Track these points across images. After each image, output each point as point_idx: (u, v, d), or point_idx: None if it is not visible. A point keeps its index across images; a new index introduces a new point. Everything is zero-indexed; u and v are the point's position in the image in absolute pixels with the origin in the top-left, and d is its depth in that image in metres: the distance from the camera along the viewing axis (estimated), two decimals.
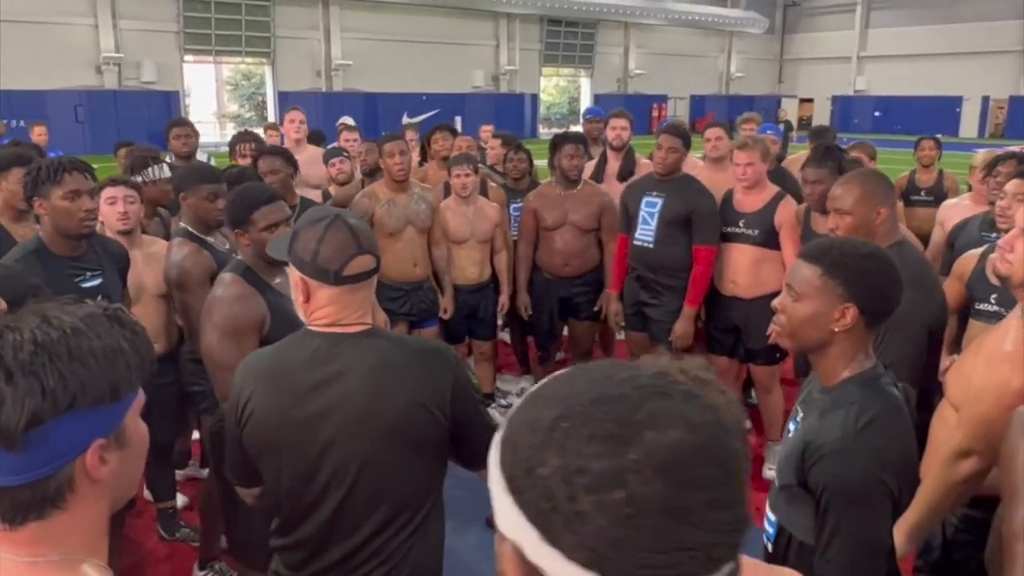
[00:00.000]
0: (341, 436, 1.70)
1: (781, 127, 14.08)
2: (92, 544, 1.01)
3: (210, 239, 3.22)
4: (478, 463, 1.73)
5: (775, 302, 1.83)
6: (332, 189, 5.26)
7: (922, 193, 6.24)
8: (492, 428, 1.89)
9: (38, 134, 8.94)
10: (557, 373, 0.67)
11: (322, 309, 1.75)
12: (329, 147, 5.81)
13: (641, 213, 4.34)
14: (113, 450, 0.96)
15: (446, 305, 4.66)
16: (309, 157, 5.44)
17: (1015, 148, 5.78)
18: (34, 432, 0.89)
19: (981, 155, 4.64)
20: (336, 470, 1.72)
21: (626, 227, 4.47)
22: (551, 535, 0.58)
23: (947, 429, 2.08)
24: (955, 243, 3.87)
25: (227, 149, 5.70)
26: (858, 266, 1.70)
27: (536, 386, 0.67)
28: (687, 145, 4.37)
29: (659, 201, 4.29)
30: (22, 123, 17.23)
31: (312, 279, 1.72)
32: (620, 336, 5.27)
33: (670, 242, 4.26)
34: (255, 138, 5.22)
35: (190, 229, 3.20)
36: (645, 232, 4.33)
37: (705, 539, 0.57)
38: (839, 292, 1.69)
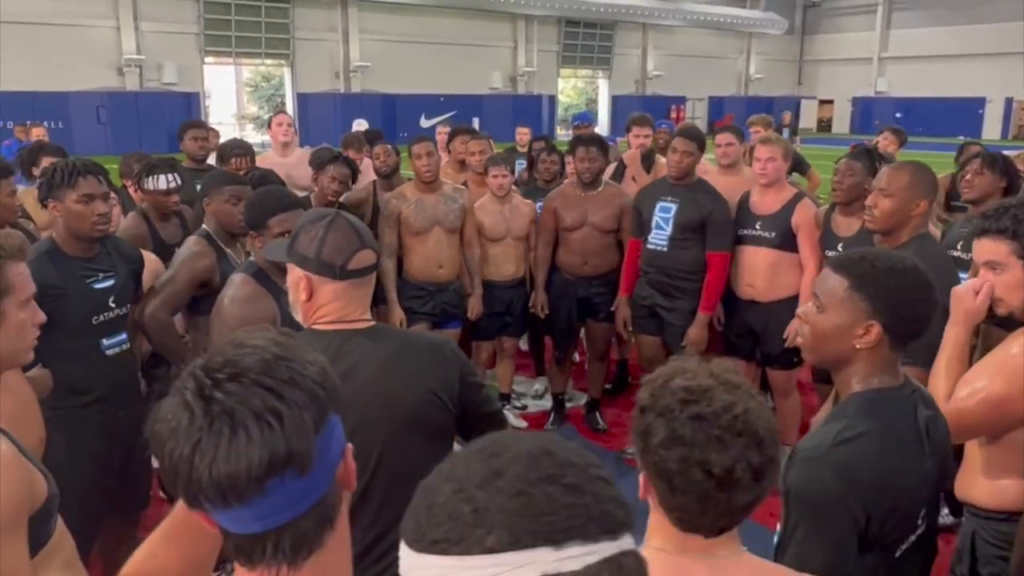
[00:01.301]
0: (359, 428, 1.71)
1: (785, 132, 13.90)
2: (344, 565, 0.95)
3: (229, 250, 3.22)
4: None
5: (799, 311, 1.76)
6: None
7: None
8: (499, 415, 2.01)
9: (36, 134, 8.88)
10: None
11: (326, 306, 1.76)
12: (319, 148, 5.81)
13: (655, 218, 4.33)
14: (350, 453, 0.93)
15: (474, 305, 4.66)
16: (298, 159, 5.48)
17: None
18: (316, 445, 0.83)
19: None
20: (356, 460, 1.74)
21: (638, 231, 4.47)
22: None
23: (976, 445, 2.07)
24: (945, 239, 3.86)
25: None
26: (888, 282, 1.58)
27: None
28: (702, 148, 4.36)
29: (674, 206, 4.28)
30: (46, 125, 17.48)
31: (316, 275, 1.75)
32: (613, 340, 5.26)
33: (684, 246, 4.27)
34: (248, 151, 5.21)
35: (211, 233, 3.21)
36: (659, 236, 4.33)
37: None
38: (864, 308, 1.58)
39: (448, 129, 7.24)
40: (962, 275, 3.44)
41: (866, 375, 1.62)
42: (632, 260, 4.55)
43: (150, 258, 3.40)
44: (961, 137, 6.99)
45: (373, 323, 1.82)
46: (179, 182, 3.86)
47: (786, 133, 14.02)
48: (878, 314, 1.58)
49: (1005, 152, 4.22)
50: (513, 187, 4.97)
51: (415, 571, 0.66)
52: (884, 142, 6.38)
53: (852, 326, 1.60)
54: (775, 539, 1.70)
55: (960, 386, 2.02)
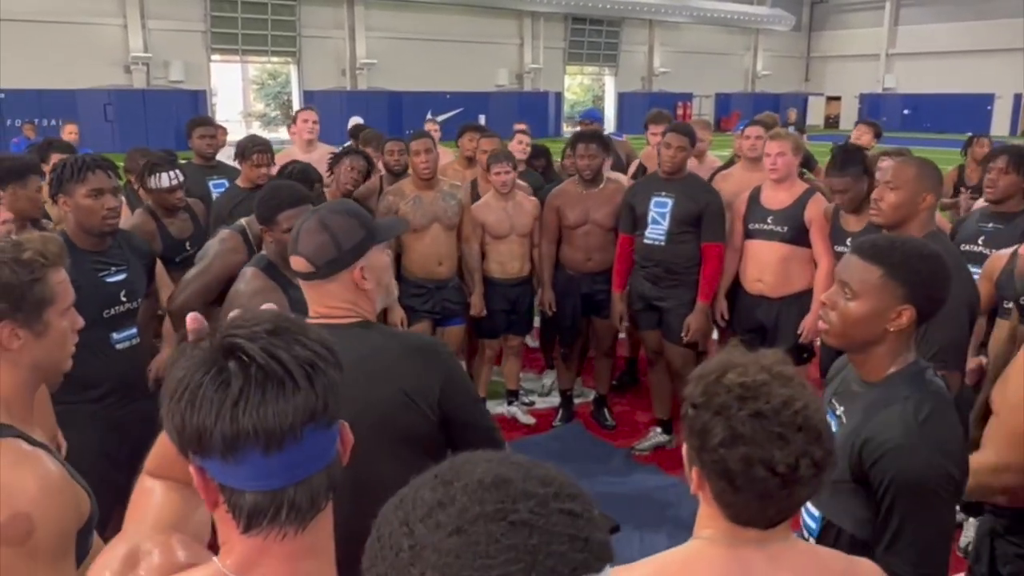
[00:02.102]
0: None
1: (791, 130, 13.78)
2: (329, 552, 1.00)
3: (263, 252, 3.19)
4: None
5: (824, 296, 1.78)
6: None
7: (971, 189, 6.25)
8: (489, 429, 1.88)
9: (69, 132, 9.02)
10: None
11: (310, 303, 1.82)
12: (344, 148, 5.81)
13: (651, 213, 4.37)
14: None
15: (476, 303, 4.66)
16: (321, 156, 5.45)
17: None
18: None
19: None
20: None
21: (631, 227, 4.50)
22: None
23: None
24: (956, 237, 3.81)
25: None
26: (921, 268, 1.67)
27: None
28: (693, 143, 4.46)
29: (669, 201, 4.32)
30: (53, 122, 17.55)
31: None
32: (621, 335, 5.27)
33: (682, 240, 4.32)
34: (269, 147, 5.11)
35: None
36: (656, 231, 4.36)
37: None
38: (899, 294, 1.66)
39: (437, 126, 7.26)
40: (974, 270, 3.43)
41: (899, 353, 1.70)
42: (624, 256, 4.57)
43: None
44: (969, 133, 6.97)
45: (361, 319, 1.79)
46: (181, 178, 3.86)
47: (792, 131, 13.86)
48: (912, 299, 1.66)
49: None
50: (520, 182, 4.96)
51: None
52: (857, 133, 6.38)
53: (886, 311, 1.67)
54: (811, 530, 1.72)
55: (1004, 408, 2.02)
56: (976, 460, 1.86)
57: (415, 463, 1.71)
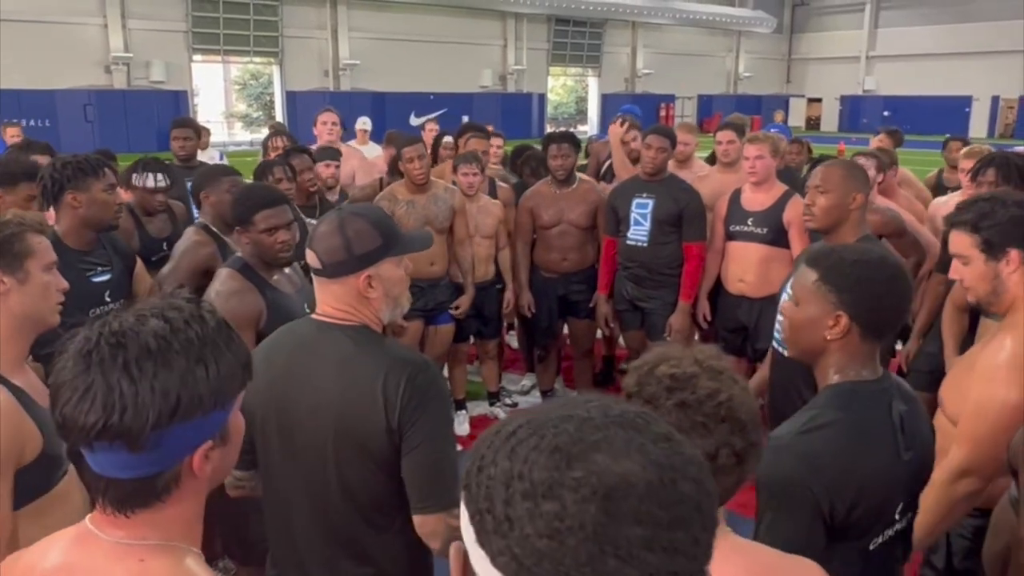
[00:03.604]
0: (304, 419, 1.75)
1: (773, 131, 13.56)
2: (190, 531, 1.06)
3: (227, 239, 3.26)
4: (419, 502, 1.67)
5: (782, 304, 1.80)
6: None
7: (949, 191, 6.27)
8: (440, 467, 1.67)
9: (11, 135, 7.96)
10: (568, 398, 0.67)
11: (317, 296, 1.82)
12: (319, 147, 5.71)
13: (632, 214, 4.41)
14: (217, 448, 1.02)
15: (462, 303, 4.63)
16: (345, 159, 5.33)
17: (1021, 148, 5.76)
18: (152, 436, 0.93)
19: (964, 152, 4.56)
20: (300, 452, 1.76)
21: (614, 229, 4.53)
22: (483, 537, 0.57)
23: (944, 439, 2.06)
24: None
25: (236, 149, 5.63)
26: (853, 273, 1.61)
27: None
28: (674, 145, 4.51)
29: (650, 202, 4.36)
30: (33, 123, 17.37)
31: None
32: (599, 335, 5.26)
33: (664, 240, 4.37)
34: (286, 132, 5.04)
35: (208, 224, 3.27)
36: (639, 232, 4.40)
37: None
38: (832, 299, 1.61)
39: (436, 126, 7.19)
40: None
41: (841, 367, 1.64)
42: (608, 258, 4.59)
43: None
44: (948, 136, 7.02)
45: (357, 323, 1.76)
46: (167, 183, 3.89)
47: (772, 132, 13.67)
48: (844, 305, 1.61)
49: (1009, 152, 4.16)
50: (502, 184, 4.96)
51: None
52: (877, 141, 6.40)
53: (822, 318, 1.63)
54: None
55: (966, 415, 2.00)
56: (935, 477, 1.85)
57: (374, 473, 1.72)
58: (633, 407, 0.62)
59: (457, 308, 4.63)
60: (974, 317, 3.20)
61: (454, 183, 4.68)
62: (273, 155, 4.65)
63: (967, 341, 3.15)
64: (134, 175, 3.85)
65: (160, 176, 3.85)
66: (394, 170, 4.82)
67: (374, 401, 1.66)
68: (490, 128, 5.96)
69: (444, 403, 1.78)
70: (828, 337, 1.62)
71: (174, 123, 5.39)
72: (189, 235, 3.23)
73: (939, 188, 6.31)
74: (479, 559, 0.57)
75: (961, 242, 2.09)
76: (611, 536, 0.54)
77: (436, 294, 4.53)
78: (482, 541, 0.57)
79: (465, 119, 24.67)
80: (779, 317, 2.94)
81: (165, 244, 3.85)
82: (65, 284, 2.00)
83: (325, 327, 1.76)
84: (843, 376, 1.64)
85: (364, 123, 7.88)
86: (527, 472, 0.56)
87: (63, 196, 2.74)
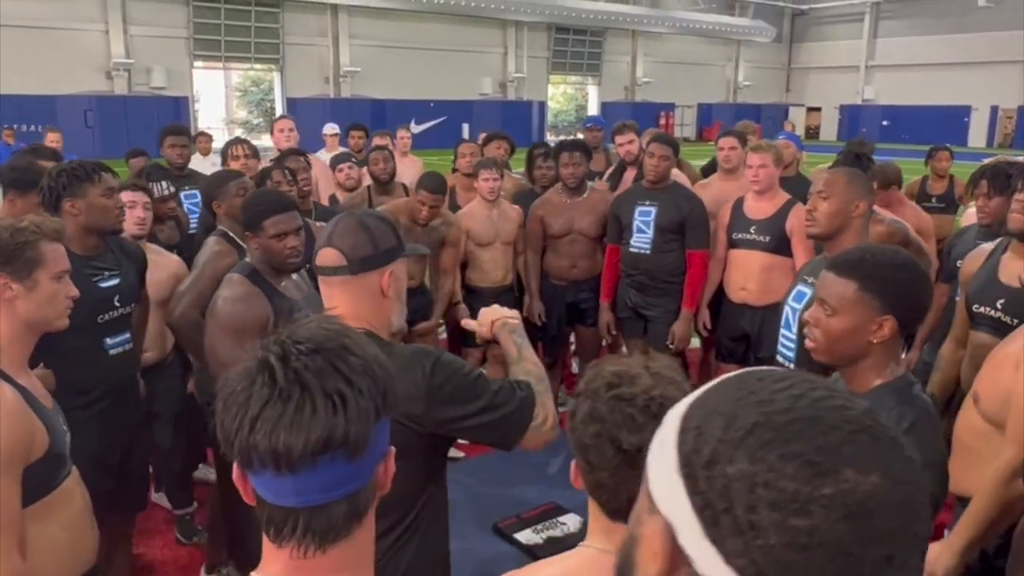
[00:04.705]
0: None
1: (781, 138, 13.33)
2: (368, 562, 0.97)
3: (246, 245, 3.27)
4: (508, 444, 1.75)
5: (807, 315, 1.80)
6: (339, 194, 5.26)
7: (933, 200, 6.33)
8: (500, 412, 1.71)
9: (51, 140, 8.72)
10: (733, 376, 0.65)
11: (325, 301, 1.79)
12: (338, 153, 5.79)
13: (635, 222, 4.41)
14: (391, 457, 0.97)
15: (438, 312, 4.62)
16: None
17: (1020, 158, 5.77)
18: (371, 434, 0.88)
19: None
20: None
21: (617, 236, 4.54)
22: (716, 534, 0.56)
23: (982, 438, 2.06)
24: (952, 251, 3.85)
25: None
26: (895, 277, 1.69)
27: (716, 382, 0.65)
28: (677, 153, 4.52)
29: (653, 210, 4.37)
30: (34, 128, 17.39)
31: None
32: (603, 343, 5.26)
33: (667, 248, 4.38)
34: (246, 141, 5.11)
35: (227, 231, 3.27)
36: (642, 240, 4.41)
37: None
38: (876, 305, 1.67)
39: (409, 135, 7.33)
40: None
41: (884, 365, 1.71)
42: (611, 266, 4.60)
43: (173, 261, 3.48)
44: (947, 145, 7.03)
45: (363, 330, 1.70)
46: (172, 189, 3.96)
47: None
48: (890, 309, 1.67)
49: (991, 160, 4.19)
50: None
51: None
52: (940, 158, 6.54)
53: (867, 324, 1.68)
54: None
55: (1014, 414, 2.01)
56: (989, 477, 1.87)
57: (409, 477, 1.71)
58: (856, 404, 0.61)
59: (433, 316, 4.62)
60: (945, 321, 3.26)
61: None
62: (233, 164, 4.63)
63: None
64: (155, 186, 3.88)
65: (165, 184, 3.93)
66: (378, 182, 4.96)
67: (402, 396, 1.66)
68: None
69: (451, 371, 1.72)
70: (874, 341, 1.69)
71: (169, 130, 5.29)
72: (211, 245, 3.21)
73: (922, 196, 6.34)
74: (706, 553, 0.57)
75: None
76: (859, 555, 0.54)
77: (412, 303, 4.53)
78: (714, 537, 0.56)
79: (465, 127, 24.79)
80: (785, 332, 2.95)
81: (175, 252, 3.88)
82: (75, 291, 2.04)
83: None
84: (885, 376, 1.71)
85: (332, 128, 7.96)
86: (774, 481, 0.55)
87: (62, 204, 2.74)
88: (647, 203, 4.39)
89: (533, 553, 3.63)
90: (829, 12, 38.68)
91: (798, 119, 38.14)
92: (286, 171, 4.04)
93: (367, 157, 5.27)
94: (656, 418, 1.11)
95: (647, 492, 0.64)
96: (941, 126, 32.30)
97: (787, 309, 2.96)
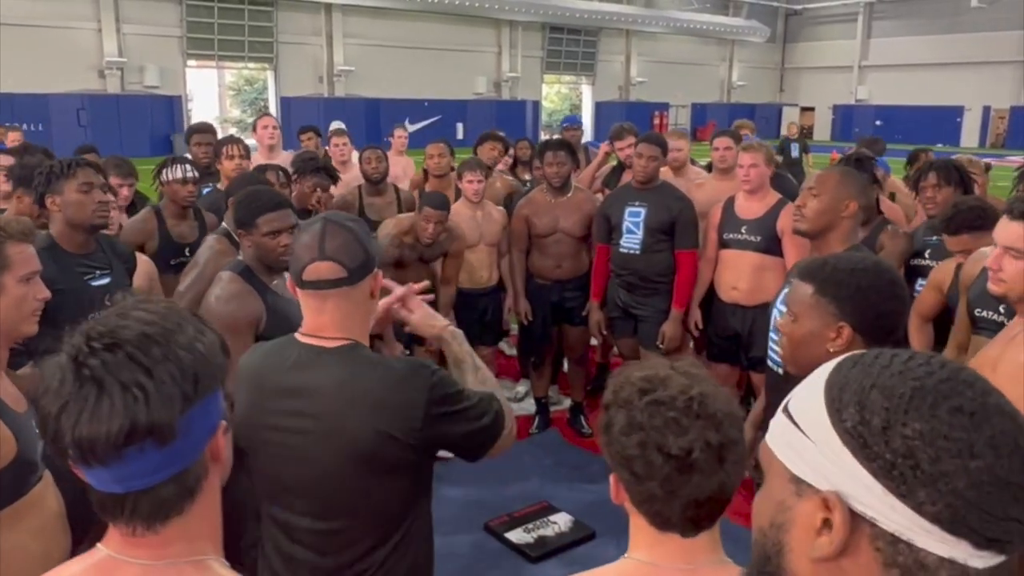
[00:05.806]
0: (300, 448, 1.67)
1: (794, 147, 12.78)
2: (215, 535, 1.01)
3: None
4: (479, 455, 1.77)
5: (778, 322, 1.77)
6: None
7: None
8: (481, 423, 1.71)
9: (12, 140, 8.18)
10: (847, 361, 0.74)
11: (304, 317, 1.70)
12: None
13: (625, 223, 4.42)
14: (229, 430, 1.00)
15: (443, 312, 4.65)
16: (284, 162, 5.42)
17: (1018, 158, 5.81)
18: (181, 422, 0.89)
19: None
20: (296, 479, 1.70)
21: (606, 236, 4.55)
22: (904, 489, 0.65)
23: None
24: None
25: None
26: (850, 282, 1.62)
27: (831, 371, 0.74)
28: (665, 153, 4.52)
29: (642, 210, 4.38)
30: (26, 127, 17.31)
31: (291, 280, 1.71)
32: (594, 342, 5.29)
33: (656, 248, 4.38)
34: (240, 140, 5.12)
35: (231, 231, 3.23)
36: (631, 240, 4.42)
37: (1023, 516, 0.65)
38: (832, 311, 1.61)
39: (405, 134, 7.31)
40: (923, 283, 3.50)
41: None
42: (601, 265, 4.61)
43: (142, 260, 3.43)
44: (939, 145, 7.06)
45: (349, 343, 1.68)
46: (196, 174, 3.94)
47: (795, 148, 12.79)
48: (845, 315, 1.61)
49: (954, 157, 4.22)
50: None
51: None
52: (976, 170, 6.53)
53: (823, 330, 1.63)
54: None
55: None
56: None
57: (403, 494, 1.71)
58: (968, 373, 0.70)
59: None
60: (939, 328, 3.25)
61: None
62: (227, 163, 4.64)
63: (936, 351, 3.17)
64: (164, 170, 3.89)
65: (188, 167, 3.90)
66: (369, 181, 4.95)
67: (385, 422, 1.61)
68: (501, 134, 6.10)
69: (445, 385, 1.69)
70: (831, 349, 1.61)
71: (195, 128, 5.41)
72: (211, 244, 3.21)
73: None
74: (894, 508, 0.65)
75: (1016, 234, 1.95)
76: (1017, 484, 0.64)
77: None
78: (901, 493, 0.65)
79: (459, 126, 24.78)
80: (772, 336, 2.95)
81: (188, 250, 3.82)
82: (46, 293, 1.94)
83: (320, 352, 1.67)
84: None
85: (337, 125, 7.94)
86: (949, 432, 0.64)
87: (47, 200, 2.76)
88: (636, 204, 4.40)
89: (524, 552, 3.64)
90: (823, 12, 38.77)
91: (792, 119, 38.20)
92: (279, 172, 4.06)
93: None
94: (699, 417, 1.11)
95: (788, 477, 0.72)
96: (934, 126, 32.43)
97: (775, 312, 2.96)
